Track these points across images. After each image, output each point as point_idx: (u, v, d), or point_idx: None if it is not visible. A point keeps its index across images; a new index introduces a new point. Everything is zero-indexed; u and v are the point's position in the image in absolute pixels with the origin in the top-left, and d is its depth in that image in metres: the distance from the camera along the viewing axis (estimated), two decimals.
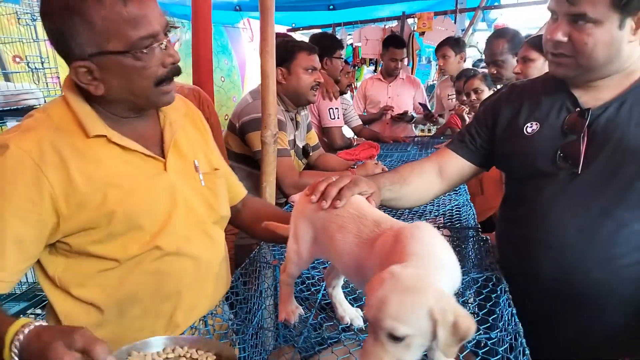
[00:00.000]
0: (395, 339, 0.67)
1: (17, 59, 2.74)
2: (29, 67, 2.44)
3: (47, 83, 2.52)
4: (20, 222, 0.91)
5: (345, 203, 0.95)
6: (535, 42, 2.30)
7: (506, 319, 1.03)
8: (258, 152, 1.98)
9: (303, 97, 2.25)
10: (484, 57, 2.94)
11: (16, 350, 0.74)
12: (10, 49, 2.73)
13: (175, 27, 1.89)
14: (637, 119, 1.08)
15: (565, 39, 1.08)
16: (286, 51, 2.15)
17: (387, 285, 0.70)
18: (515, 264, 1.25)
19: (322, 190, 0.96)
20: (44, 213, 0.92)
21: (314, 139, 2.57)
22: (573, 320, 1.16)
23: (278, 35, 2.39)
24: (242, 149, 2.14)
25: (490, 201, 2.30)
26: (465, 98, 3.04)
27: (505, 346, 0.96)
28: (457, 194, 2.02)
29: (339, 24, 5.40)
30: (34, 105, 2.34)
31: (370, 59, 5.23)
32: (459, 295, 1.30)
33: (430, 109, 4.16)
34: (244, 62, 6.10)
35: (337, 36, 5.53)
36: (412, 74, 4.73)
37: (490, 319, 1.09)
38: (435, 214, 1.76)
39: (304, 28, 5.80)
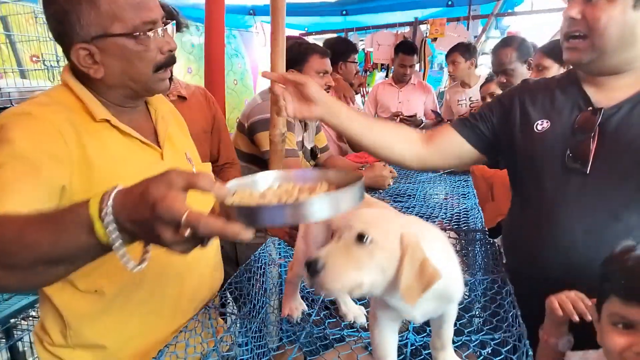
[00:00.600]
0: (361, 239, 0.67)
1: (34, 59, 2.79)
2: (44, 65, 2.48)
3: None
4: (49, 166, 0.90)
5: None
6: (549, 50, 2.29)
7: (510, 320, 1.02)
8: (266, 152, 1.99)
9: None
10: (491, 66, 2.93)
11: (111, 218, 0.62)
12: (28, 48, 2.78)
13: (187, 27, 1.92)
14: None
15: (579, 16, 1.07)
16: (299, 53, 2.16)
17: (372, 210, 0.72)
18: (521, 266, 1.24)
19: None
20: (61, 172, 0.91)
21: (322, 140, 2.58)
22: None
23: (291, 37, 2.41)
24: (250, 149, 2.15)
25: (500, 207, 2.28)
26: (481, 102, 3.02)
27: (509, 347, 0.95)
28: (465, 197, 2.01)
29: (351, 29, 5.42)
30: None
31: (382, 64, 5.23)
32: (464, 297, 1.30)
33: (441, 116, 4.15)
34: (256, 66, 6.14)
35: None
36: (423, 79, 4.72)
37: (494, 320, 1.08)
38: (443, 217, 1.75)
39: (317, 33, 5.82)
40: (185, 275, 1.10)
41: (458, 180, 2.29)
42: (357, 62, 3.40)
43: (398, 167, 2.56)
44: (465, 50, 3.70)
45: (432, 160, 1.33)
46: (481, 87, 3.01)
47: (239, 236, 0.58)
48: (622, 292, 0.83)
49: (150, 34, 0.96)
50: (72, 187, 0.93)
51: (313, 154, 2.46)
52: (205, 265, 1.17)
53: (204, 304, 1.17)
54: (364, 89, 4.70)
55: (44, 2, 0.96)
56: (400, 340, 1.00)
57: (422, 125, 4.10)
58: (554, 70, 2.22)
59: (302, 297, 1.21)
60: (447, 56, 3.82)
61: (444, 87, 5.91)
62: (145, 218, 0.59)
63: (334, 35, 5.31)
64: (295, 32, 5.66)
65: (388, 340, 0.79)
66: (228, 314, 1.19)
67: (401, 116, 3.94)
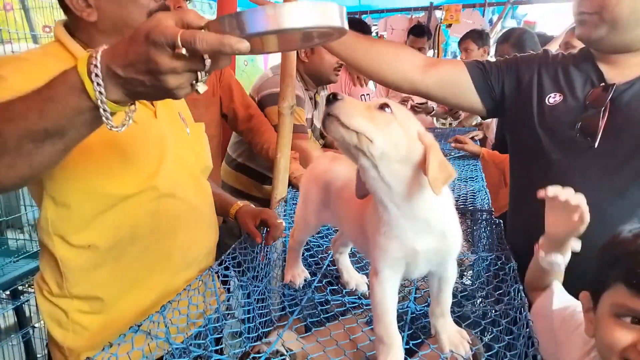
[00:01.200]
0: (383, 108, 0.69)
1: (47, 29, 2.79)
2: None
3: None
4: None
5: None
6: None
7: (512, 294, 1.02)
8: (276, 126, 1.99)
9: (325, 77, 2.24)
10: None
11: (98, 72, 0.60)
12: (41, 15, 2.78)
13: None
14: None
15: (597, 6, 1.06)
16: None
17: None
18: (524, 242, 1.23)
19: None
20: None
21: None
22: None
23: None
24: None
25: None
26: None
27: (509, 319, 0.95)
28: (473, 180, 2.00)
29: (365, 12, 5.36)
30: None
31: None
32: (469, 270, 1.30)
33: None
34: None
35: None
36: None
37: (496, 293, 1.09)
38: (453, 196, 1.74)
39: None
40: (178, 230, 1.10)
41: (467, 165, 2.29)
42: None
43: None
44: (479, 37, 3.64)
45: (425, 85, 1.27)
46: None
47: (236, 46, 0.56)
48: (633, 280, 0.72)
49: None
50: None
51: (322, 133, 2.46)
52: (198, 221, 1.17)
53: (201, 264, 1.18)
54: None
55: None
56: (401, 308, 1.01)
57: (432, 113, 4.07)
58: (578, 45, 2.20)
59: (305, 266, 1.22)
60: (459, 43, 3.77)
61: None
62: (139, 52, 0.58)
63: (349, 17, 5.25)
64: None
65: (389, 298, 0.79)
66: (231, 277, 1.20)
67: (412, 103, 3.91)
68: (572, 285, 1.13)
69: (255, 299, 1.14)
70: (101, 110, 0.62)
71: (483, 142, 3.15)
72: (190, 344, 0.89)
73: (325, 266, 1.25)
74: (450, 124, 5.01)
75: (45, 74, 0.85)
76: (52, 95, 0.63)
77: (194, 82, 0.62)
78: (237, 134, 2.16)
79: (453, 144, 2.48)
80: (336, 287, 1.16)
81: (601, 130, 1.09)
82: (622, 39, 1.10)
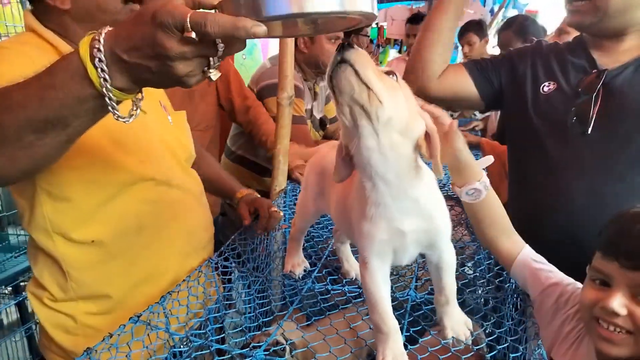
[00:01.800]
0: (390, 75, 0.67)
1: None
2: None
3: None
4: None
5: None
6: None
7: (513, 282, 1.01)
8: (275, 117, 1.98)
9: (324, 67, 2.22)
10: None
11: (101, 57, 0.56)
12: None
13: None
14: None
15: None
16: None
17: None
18: (525, 230, 1.23)
19: None
20: None
21: (332, 111, 2.55)
22: None
23: None
24: None
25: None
26: None
27: (510, 305, 0.95)
28: None
29: None
30: None
31: (395, 40, 5.16)
32: (470, 259, 1.30)
33: None
34: (266, 41, 6.07)
35: None
36: None
37: (497, 281, 1.08)
38: (448, 188, 1.73)
39: None
40: (179, 216, 1.09)
41: None
42: (369, 36, 3.35)
43: None
44: (479, 28, 3.61)
45: (428, 87, 1.30)
46: None
47: (252, 30, 0.51)
48: (603, 245, 0.80)
49: None
50: None
51: (322, 124, 2.45)
52: (196, 207, 1.16)
53: (204, 250, 1.17)
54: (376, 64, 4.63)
55: None
56: (401, 297, 1.00)
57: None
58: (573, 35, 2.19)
59: (305, 257, 1.21)
60: (460, 37, 3.73)
61: None
62: (144, 35, 0.53)
63: None
64: None
65: (381, 287, 0.78)
66: (231, 268, 1.20)
67: None
68: (576, 270, 1.13)
69: (255, 290, 1.14)
70: (106, 99, 0.58)
71: (484, 133, 3.14)
72: (191, 334, 0.89)
73: (325, 256, 1.25)
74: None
75: (30, 62, 0.83)
76: (53, 82, 0.59)
77: (206, 68, 0.58)
78: (237, 125, 2.15)
79: None
80: (336, 277, 1.16)
81: (594, 117, 1.10)
82: (613, 24, 1.11)
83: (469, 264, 1.39)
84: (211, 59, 0.57)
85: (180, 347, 0.89)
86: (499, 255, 0.99)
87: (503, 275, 1.07)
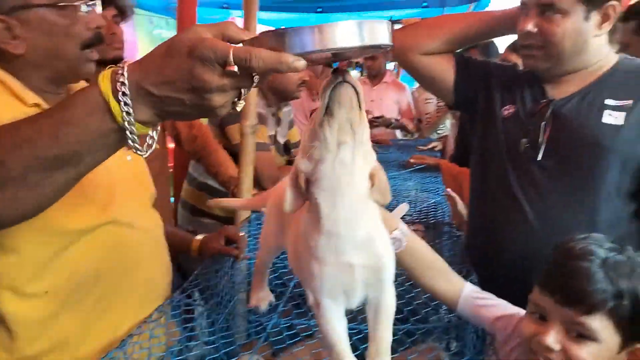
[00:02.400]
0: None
1: None
2: None
3: None
4: None
5: None
6: (516, 47, 2.35)
7: None
8: (237, 144, 1.96)
9: (289, 93, 2.24)
10: None
11: (125, 91, 0.55)
12: None
13: (127, 15, 1.82)
14: (595, 112, 1.14)
15: (535, 29, 1.14)
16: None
17: None
18: (482, 246, 1.28)
19: None
20: None
21: (296, 136, 2.57)
22: None
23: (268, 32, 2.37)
24: (222, 142, 2.13)
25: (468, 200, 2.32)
26: None
27: (472, 334, 0.97)
28: (434, 193, 2.04)
29: None
30: None
31: (357, 62, 5.26)
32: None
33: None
34: None
35: None
36: (397, 78, 4.76)
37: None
38: (412, 211, 1.77)
39: None
40: (141, 261, 1.04)
41: (428, 177, 2.33)
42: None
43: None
44: None
45: (410, 55, 1.36)
46: None
47: (293, 64, 0.53)
48: (540, 280, 0.82)
49: (75, 5, 0.89)
50: None
51: (286, 148, 2.45)
52: (158, 250, 1.12)
53: (165, 293, 1.13)
54: None
55: None
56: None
57: (391, 126, 4.13)
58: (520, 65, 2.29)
59: (270, 289, 1.20)
60: None
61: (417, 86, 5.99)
62: (180, 68, 0.53)
63: None
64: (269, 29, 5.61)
65: (336, 327, 0.77)
66: (194, 306, 1.18)
67: (369, 117, 3.96)
68: (523, 291, 1.18)
69: (219, 327, 1.12)
70: (127, 133, 0.56)
71: (442, 153, 3.23)
72: None
73: (291, 288, 1.25)
74: (412, 134, 5.12)
75: None
76: (68, 117, 0.57)
77: (236, 99, 0.59)
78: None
79: (412, 161, 2.52)
80: (303, 310, 1.15)
81: (544, 144, 1.16)
82: (565, 68, 1.19)
83: None
84: (242, 90, 0.58)
85: None
86: (441, 299, 1.00)
87: None
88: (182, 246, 1.32)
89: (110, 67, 0.58)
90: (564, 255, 0.80)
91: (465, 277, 1.18)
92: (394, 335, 0.93)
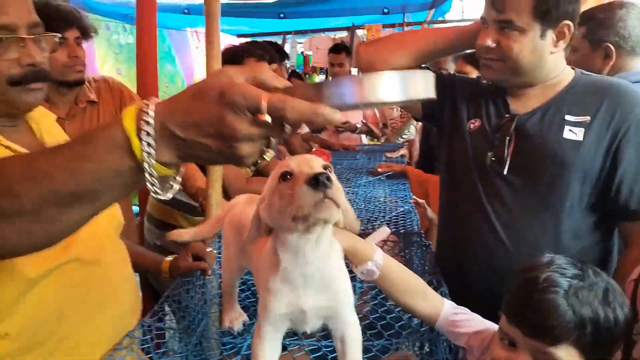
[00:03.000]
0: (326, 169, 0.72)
1: None
2: None
3: None
4: None
5: None
6: (470, 58, 2.42)
7: None
8: None
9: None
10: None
11: (149, 131, 0.52)
12: None
13: (96, 33, 1.76)
14: (556, 127, 1.18)
15: (494, 44, 1.18)
16: (234, 55, 2.13)
17: None
18: (450, 264, 1.31)
19: None
20: None
21: None
22: None
23: (229, 48, 2.35)
24: None
25: (435, 207, 2.36)
26: None
27: (445, 345, 0.99)
28: (403, 201, 2.07)
29: (289, 32, 5.43)
30: None
31: (321, 68, 5.29)
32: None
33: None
34: (190, 68, 6.00)
35: (287, 44, 5.56)
36: None
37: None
38: (382, 220, 1.79)
39: (253, 35, 5.78)
40: (107, 299, 1.01)
41: (396, 184, 2.36)
42: (286, 68, 3.36)
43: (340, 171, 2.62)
44: None
45: (375, 63, 1.36)
46: None
47: (330, 117, 0.50)
48: (505, 310, 0.83)
49: (6, 39, 0.84)
50: None
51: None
52: (125, 286, 1.09)
53: (130, 327, 1.08)
54: None
55: None
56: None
57: (357, 131, 4.17)
58: (473, 76, 2.35)
59: (242, 307, 1.19)
60: None
61: None
62: (209, 113, 0.51)
63: (269, 38, 5.29)
64: (231, 37, 5.57)
65: (267, 351, 0.81)
66: (166, 329, 1.15)
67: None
68: (499, 303, 1.21)
69: (192, 350, 1.10)
70: (147, 175, 0.53)
71: (409, 159, 3.28)
72: None
73: None
74: (377, 139, 5.18)
75: None
76: (88, 153, 0.54)
77: (264, 147, 0.56)
78: None
79: (380, 169, 2.55)
80: None
81: (508, 158, 1.19)
82: (522, 80, 1.23)
83: None
84: (272, 139, 0.55)
85: None
86: (421, 318, 1.03)
87: None
88: (152, 268, 1.29)
89: (137, 103, 0.55)
90: (529, 286, 0.80)
91: (436, 288, 1.21)
92: (368, 351, 0.95)
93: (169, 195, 0.58)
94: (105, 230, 1.06)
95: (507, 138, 1.20)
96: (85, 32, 1.72)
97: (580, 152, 1.15)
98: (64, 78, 1.67)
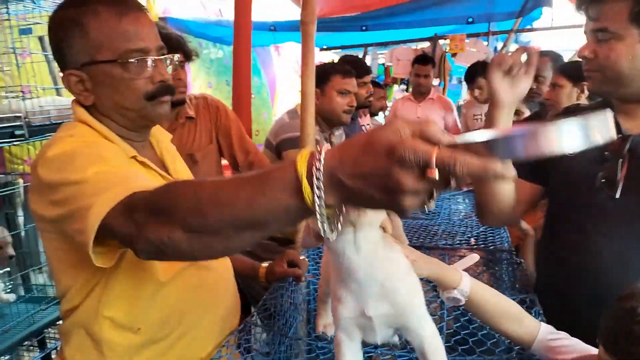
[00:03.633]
0: None
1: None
2: None
3: None
4: None
5: None
6: (565, 69, 2.32)
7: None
8: None
9: (336, 119, 2.31)
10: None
11: (319, 175, 0.56)
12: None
13: (197, 56, 1.92)
14: None
15: (592, 55, 1.14)
16: (322, 72, 2.22)
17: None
18: (551, 289, 1.26)
19: None
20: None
21: None
22: None
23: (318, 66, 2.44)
24: None
25: (527, 219, 2.28)
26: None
27: None
28: None
29: (371, 44, 5.48)
30: None
31: (402, 79, 5.29)
32: None
33: None
34: (273, 80, 6.27)
35: (368, 56, 5.62)
36: (443, 94, 4.75)
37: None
38: (468, 235, 1.77)
39: (336, 48, 5.91)
40: (218, 299, 1.12)
41: None
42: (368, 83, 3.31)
43: None
44: (486, 71, 3.67)
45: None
46: None
47: (501, 174, 0.49)
48: (603, 339, 0.80)
49: (136, 61, 0.96)
50: None
51: None
52: (230, 288, 1.19)
53: (234, 324, 1.20)
54: (384, 111, 4.64)
55: (48, 31, 0.99)
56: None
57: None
58: (568, 89, 2.25)
59: None
60: (469, 81, 3.75)
61: (463, 101, 5.94)
62: (377, 166, 0.53)
63: (351, 51, 5.38)
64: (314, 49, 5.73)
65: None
66: (263, 330, 1.23)
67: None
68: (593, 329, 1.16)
69: (283, 353, 1.17)
70: (317, 215, 0.59)
71: None
72: None
73: None
74: None
75: (113, 149, 0.94)
76: (264, 189, 0.61)
77: (427, 199, 0.56)
78: None
79: (465, 187, 2.49)
80: None
81: (622, 181, 1.12)
82: (628, 92, 1.15)
83: None
84: (435, 191, 0.56)
85: None
86: (513, 341, 1.01)
87: None
88: (250, 273, 1.40)
89: (308, 149, 0.61)
90: (628, 318, 0.76)
91: (529, 307, 1.19)
92: None
93: (334, 236, 0.63)
94: None
95: (620, 160, 1.13)
96: (188, 56, 1.89)
97: None
98: None
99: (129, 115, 1.01)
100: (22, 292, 2.26)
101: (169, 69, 1.05)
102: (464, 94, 6.00)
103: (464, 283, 0.97)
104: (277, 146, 2.20)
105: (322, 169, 0.56)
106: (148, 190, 0.75)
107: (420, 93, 4.10)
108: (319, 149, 0.58)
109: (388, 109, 4.80)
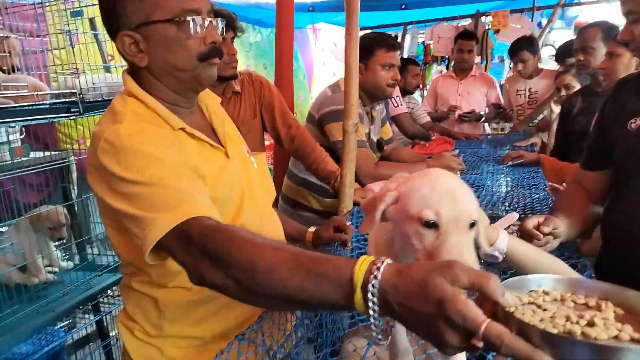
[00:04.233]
0: (472, 225, 0.72)
1: (109, 57, 2.99)
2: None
3: None
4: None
5: None
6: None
7: None
8: (337, 142, 2.07)
9: (380, 93, 2.30)
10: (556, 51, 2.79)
11: (374, 292, 0.58)
12: (108, 47, 2.98)
13: (243, 32, 1.96)
14: None
15: (629, 37, 1.16)
16: (365, 47, 2.21)
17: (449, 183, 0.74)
18: (614, 239, 1.23)
19: None
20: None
21: (387, 133, 2.62)
22: None
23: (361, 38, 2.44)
24: (320, 140, 2.22)
25: None
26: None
27: None
28: (536, 188, 1.99)
29: (410, 22, 5.39)
30: None
31: (442, 57, 5.18)
32: None
33: (502, 107, 4.02)
34: (310, 63, 6.27)
35: (408, 35, 5.53)
36: (485, 72, 4.63)
37: None
38: (515, 206, 1.75)
39: (375, 27, 5.84)
40: None
41: (527, 172, 2.26)
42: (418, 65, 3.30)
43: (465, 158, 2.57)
44: (530, 45, 3.56)
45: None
46: (556, 78, 2.92)
47: None
48: None
49: (191, 20, 0.96)
50: None
51: (379, 145, 2.52)
52: None
53: None
54: (422, 90, 4.59)
55: None
56: None
57: (483, 120, 4.03)
58: (627, 58, 2.15)
59: None
60: (512, 55, 3.67)
61: (504, 80, 5.77)
62: (426, 312, 0.54)
63: (390, 30, 5.30)
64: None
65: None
66: None
67: (459, 112, 3.88)
68: None
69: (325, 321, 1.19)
70: (372, 326, 0.61)
71: (543, 148, 3.10)
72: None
73: None
74: (502, 129, 4.95)
75: (165, 140, 0.95)
76: (319, 283, 0.64)
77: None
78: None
79: (510, 162, 2.45)
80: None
81: None
82: None
83: None
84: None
85: None
86: None
87: None
88: (297, 236, 1.43)
89: (370, 258, 0.62)
90: None
91: (581, 271, 1.17)
92: None
93: (388, 341, 0.68)
94: (263, 202, 1.20)
95: None
96: (236, 30, 1.93)
97: None
98: (222, 73, 1.86)
99: (181, 76, 1.01)
100: (76, 261, 2.38)
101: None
102: (506, 73, 5.83)
103: (500, 240, 0.97)
104: (319, 120, 2.22)
105: (377, 286, 0.58)
106: (204, 222, 0.80)
107: (462, 70, 4.01)
108: (379, 263, 0.60)
109: (427, 88, 4.73)
